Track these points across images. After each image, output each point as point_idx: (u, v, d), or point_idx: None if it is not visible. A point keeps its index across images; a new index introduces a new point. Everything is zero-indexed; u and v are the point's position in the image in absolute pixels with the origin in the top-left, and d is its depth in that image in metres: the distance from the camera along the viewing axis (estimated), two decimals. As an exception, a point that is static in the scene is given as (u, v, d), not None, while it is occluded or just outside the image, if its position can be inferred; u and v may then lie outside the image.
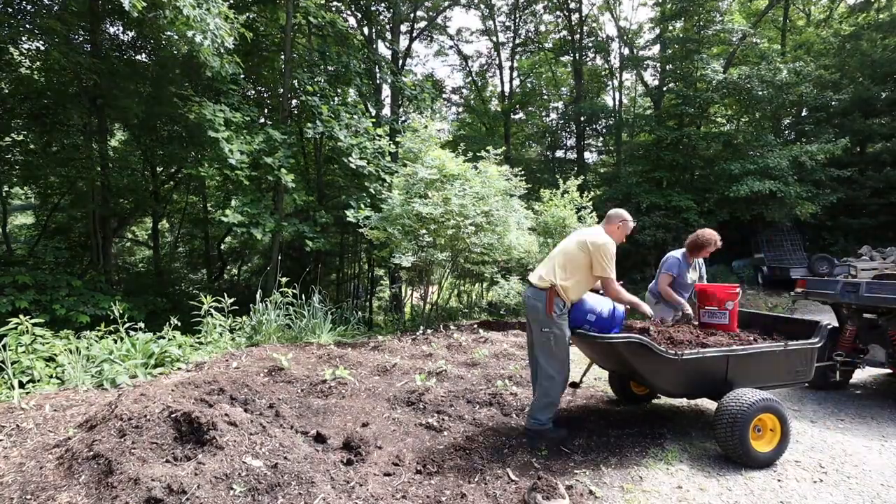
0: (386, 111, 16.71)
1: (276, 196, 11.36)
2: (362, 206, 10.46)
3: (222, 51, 7.89)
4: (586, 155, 23.78)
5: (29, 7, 10.02)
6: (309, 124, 10.72)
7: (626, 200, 16.45)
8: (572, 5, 21.13)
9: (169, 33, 7.68)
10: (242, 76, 10.30)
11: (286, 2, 10.50)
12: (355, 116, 11.20)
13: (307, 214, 11.44)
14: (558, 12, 22.03)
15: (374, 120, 11.74)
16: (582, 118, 21.47)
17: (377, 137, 11.24)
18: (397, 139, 9.75)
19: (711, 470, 3.16)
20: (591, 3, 21.71)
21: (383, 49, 17.10)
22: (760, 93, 14.77)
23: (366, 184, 11.20)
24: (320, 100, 10.87)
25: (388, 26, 17.12)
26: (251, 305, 6.69)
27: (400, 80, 14.22)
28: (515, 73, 24.87)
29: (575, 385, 4.03)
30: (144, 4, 6.59)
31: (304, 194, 10.85)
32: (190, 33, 7.20)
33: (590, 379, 4.82)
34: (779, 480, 3.07)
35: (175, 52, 8.55)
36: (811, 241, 15.62)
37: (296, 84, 11.09)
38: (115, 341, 5.12)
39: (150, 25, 7.90)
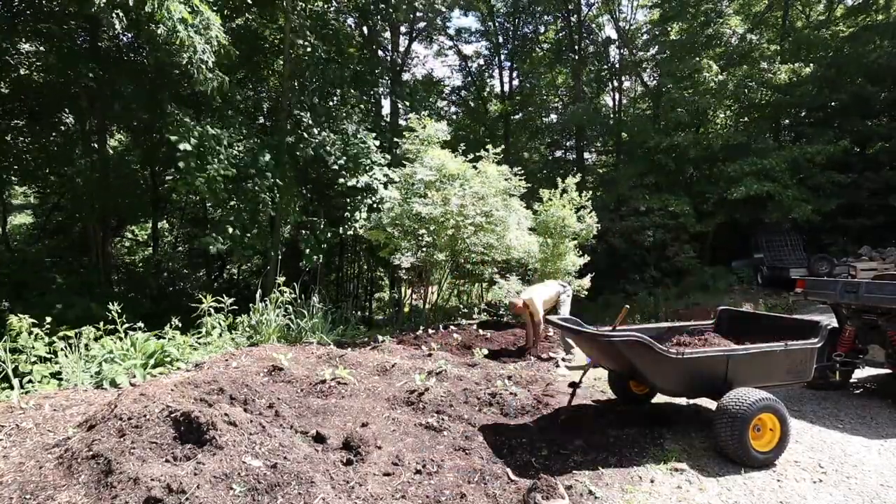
0: (386, 111, 16.71)
1: (273, 219, 11.23)
2: (357, 215, 10.44)
3: (210, 67, 7.89)
4: (586, 155, 23.79)
5: (28, 11, 10.01)
6: (301, 144, 10.64)
7: (622, 202, 16.45)
8: (571, 7, 21.14)
9: (163, 32, 7.70)
10: (236, 83, 10.28)
11: (286, 3, 10.50)
12: (352, 125, 11.14)
13: (308, 224, 11.39)
14: (557, 14, 22.03)
15: (371, 128, 11.69)
16: (584, 117, 21.44)
17: (373, 147, 11.18)
18: (396, 140, 9.75)
19: (711, 470, 3.16)
20: (590, 4, 21.74)
21: (382, 51, 17.11)
22: (759, 94, 14.76)
23: (359, 197, 11.17)
24: (311, 115, 10.79)
25: (386, 26, 17.12)
26: (251, 305, 6.68)
27: (399, 80, 14.21)
28: (515, 74, 24.88)
29: (574, 385, 4.04)
30: (125, 23, 6.67)
31: (298, 215, 10.73)
32: (177, 57, 7.29)
33: (590, 379, 4.82)
34: (778, 480, 3.07)
35: (170, 61, 8.59)
36: (810, 242, 15.60)
37: (296, 85, 11.08)
38: (115, 341, 5.11)
39: (144, 28, 7.96)
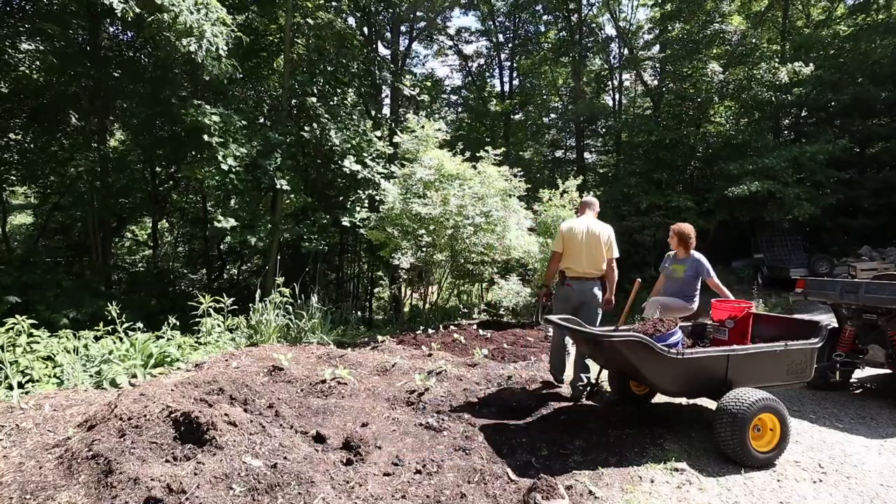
0: (386, 110, 16.72)
1: (273, 199, 11.35)
2: (358, 208, 10.45)
3: (220, 53, 7.91)
4: (586, 155, 23.77)
5: (28, 7, 10.00)
6: (307, 127, 10.72)
7: (625, 201, 16.44)
8: (571, 6, 21.13)
9: (167, 34, 7.70)
10: (241, 75, 10.30)
11: (285, 1, 10.50)
12: (353, 117, 11.20)
13: (306, 215, 11.44)
14: (557, 13, 22.03)
15: (373, 122, 11.75)
16: (581, 118, 21.46)
17: (375, 140, 11.23)
18: (396, 139, 9.78)
19: (711, 470, 3.16)
20: (591, 4, 21.71)
21: (382, 49, 17.13)
22: (760, 94, 14.74)
23: (359, 191, 11.20)
24: (317, 101, 10.85)
25: (387, 27, 17.13)
26: (251, 305, 6.68)
27: (399, 80, 14.22)
28: (515, 74, 24.87)
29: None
30: (138, 10, 6.61)
31: (302, 197, 10.82)
32: (185, 40, 7.25)
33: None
34: (778, 480, 3.07)
35: (175, 56, 8.60)
36: (811, 242, 15.60)
37: (295, 84, 11.09)
38: (115, 341, 5.11)
39: (147, 27, 7.96)
